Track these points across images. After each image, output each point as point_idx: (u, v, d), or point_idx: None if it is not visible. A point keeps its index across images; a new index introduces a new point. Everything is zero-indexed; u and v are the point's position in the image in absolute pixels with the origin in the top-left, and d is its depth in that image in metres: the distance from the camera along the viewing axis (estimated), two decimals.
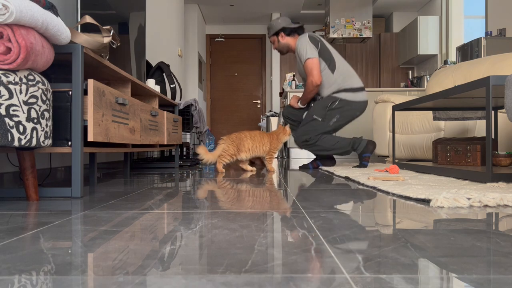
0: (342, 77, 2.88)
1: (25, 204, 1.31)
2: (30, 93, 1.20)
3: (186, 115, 3.48)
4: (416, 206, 1.22)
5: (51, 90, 1.34)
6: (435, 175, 2.19)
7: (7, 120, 1.14)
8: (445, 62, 5.43)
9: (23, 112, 1.18)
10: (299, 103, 3.04)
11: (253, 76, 7.85)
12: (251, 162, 3.16)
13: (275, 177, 2.27)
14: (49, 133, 1.32)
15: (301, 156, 5.41)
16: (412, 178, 2.02)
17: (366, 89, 5.33)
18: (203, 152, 2.64)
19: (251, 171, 2.77)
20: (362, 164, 2.88)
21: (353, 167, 2.95)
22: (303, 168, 3.09)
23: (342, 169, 2.72)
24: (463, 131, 3.07)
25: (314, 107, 2.93)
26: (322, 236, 0.82)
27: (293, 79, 5.66)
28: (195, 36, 6.62)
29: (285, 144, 5.50)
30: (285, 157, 5.56)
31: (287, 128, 2.86)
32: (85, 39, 1.49)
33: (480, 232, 0.86)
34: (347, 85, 2.87)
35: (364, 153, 2.85)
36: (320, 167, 3.09)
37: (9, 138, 1.15)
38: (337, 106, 2.84)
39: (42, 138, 1.26)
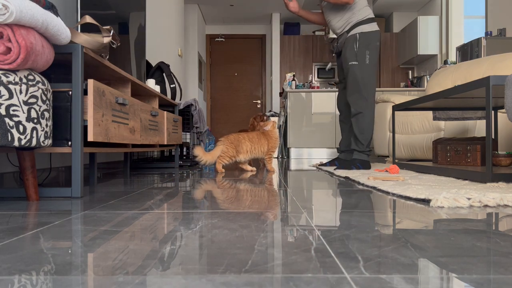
0: (359, 7, 2.85)
1: (25, 204, 1.31)
2: (30, 93, 1.20)
3: (186, 115, 3.48)
4: (416, 206, 1.22)
5: (51, 90, 1.34)
6: (435, 175, 2.19)
7: (7, 120, 1.14)
8: (445, 62, 5.43)
9: (23, 112, 1.18)
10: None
11: (253, 76, 7.85)
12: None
13: (275, 177, 2.27)
14: (49, 133, 1.32)
15: (302, 156, 5.41)
16: (412, 178, 2.02)
17: None
18: (201, 154, 2.63)
19: (251, 171, 2.77)
20: (351, 167, 2.75)
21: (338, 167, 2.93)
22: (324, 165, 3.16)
23: (342, 170, 2.72)
24: (463, 131, 3.07)
25: (344, 56, 2.90)
26: (322, 236, 0.82)
27: (293, 79, 5.66)
28: (195, 36, 6.62)
29: (285, 144, 5.50)
30: (285, 157, 5.56)
31: (265, 127, 2.84)
32: (85, 39, 1.49)
33: (480, 232, 0.86)
34: (362, 16, 2.84)
35: (359, 164, 2.77)
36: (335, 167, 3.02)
37: (9, 138, 1.15)
38: (361, 42, 2.80)
39: (42, 138, 1.26)
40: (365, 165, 2.79)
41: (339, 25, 2.92)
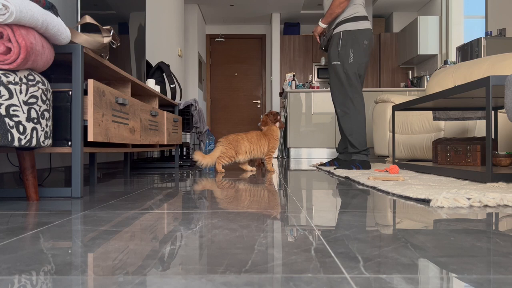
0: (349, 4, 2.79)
1: (25, 204, 1.31)
2: (30, 93, 1.20)
3: (186, 115, 3.48)
4: (416, 206, 1.22)
5: (51, 90, 1.34)
6: (435, 175, 2.19)
7: (7, 120, 1.14)
8: (445, 62, 5.43)
9: (23, 112, 1.18)
10: (320, 23, 2.88)
11: (253, 76, 7.85)
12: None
13: (275, 177, 2.27)
14: (49, 133, 1.32)
15: (301, 156, 5.41)
16: (412, 178, 2.02)
17: (366, 89, 5.35)
18: (200, 157, 2.64)
19: (251, 171, 2.77)
20: (350, 167, 2.75)
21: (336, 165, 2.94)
22: (322, 165, 3.16)
23: (342, 170, 2.72)
24: (463, 131, 3.07)
25: (329, 55, 2.87)
26: (322, 236, 0.82)
27: (293, 79, 5.66)
28: (195, 36, 6.62)
29: (285, 144, 5.50)
30: (285, 157, 5.56)
31: (277, 124, 2.84)
32: (85, 39, 1.49)
33: (480, 232, 0.86)
34: (348, 14, 2.77)
35: (359, 164, 2.76)
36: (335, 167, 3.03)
37: (9, 138, 1.15)
38: (344, 40, 2.74)
39: (42, 138, 1.26)
40: (365, 165, 2.78)
41: (333, 21, 2.90)
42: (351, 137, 2.81)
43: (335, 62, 2.80)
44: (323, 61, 6.56)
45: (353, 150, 2.83)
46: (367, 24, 2.78)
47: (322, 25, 2.89)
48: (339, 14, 2.79)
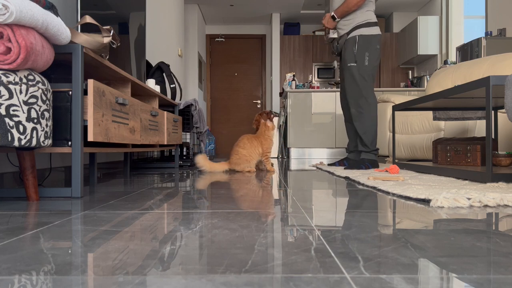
0: (360, 11, 2.89)
1: (25, 204, 1.31)
2: (30, 93, 1.20)
3: (186, 115, 3.47)
4: (416, 206, 1.22)
5: (51, 90, 1.34)
6: (435, 175, 2.19)
7: (7, 120, 1.14)
8: (445, 62, 5.43)
9: (23, 112, 1.18)
10: (334, 16, 2.97)
11: (253, 76, 7.85)
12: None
13: (275, 177, 2.27)
14: (49, 133, 1.32)
15: (302, 156, 5.41)
16: (412, 178, 2.02)
17: None
18: (203, 162, 2.71)
19: (251, 171, 2.77)
20: (360, 166, 2.79)
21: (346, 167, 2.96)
22: (331, 165, 3.19)
23: (342, 170, 2.72)
24: (463, 131, 3.07)
25: (344, 58, 2.96)
26: (322, 236, 0.82)
27: (293, 79, 5.66)
28: (195, 36, 6.62)
29: (285, 144, 5.50)
30: (285, 157, 5.56)
31: (268, 122, 2.84)
32: (85, 39, 1.49)
33: (480, 232, 0.86)
34: (362, 19, 2.88)
35: (368, 163, 2.80)
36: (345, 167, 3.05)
37: (9, 138, 1.15)
38: (360, 44, 2.84)
39: (42, 138, 1.26)
40: (374, 165, 2.83)
41: (345, 23, 2.95)
42: (364, 135, 2.86)
43: (351, 64, 2.88)
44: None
45: (364, 149, 2.88)
46: (378, 30, 2.89)
47: (337, 17, 2.98)
48: (353, 11, 2.87)
